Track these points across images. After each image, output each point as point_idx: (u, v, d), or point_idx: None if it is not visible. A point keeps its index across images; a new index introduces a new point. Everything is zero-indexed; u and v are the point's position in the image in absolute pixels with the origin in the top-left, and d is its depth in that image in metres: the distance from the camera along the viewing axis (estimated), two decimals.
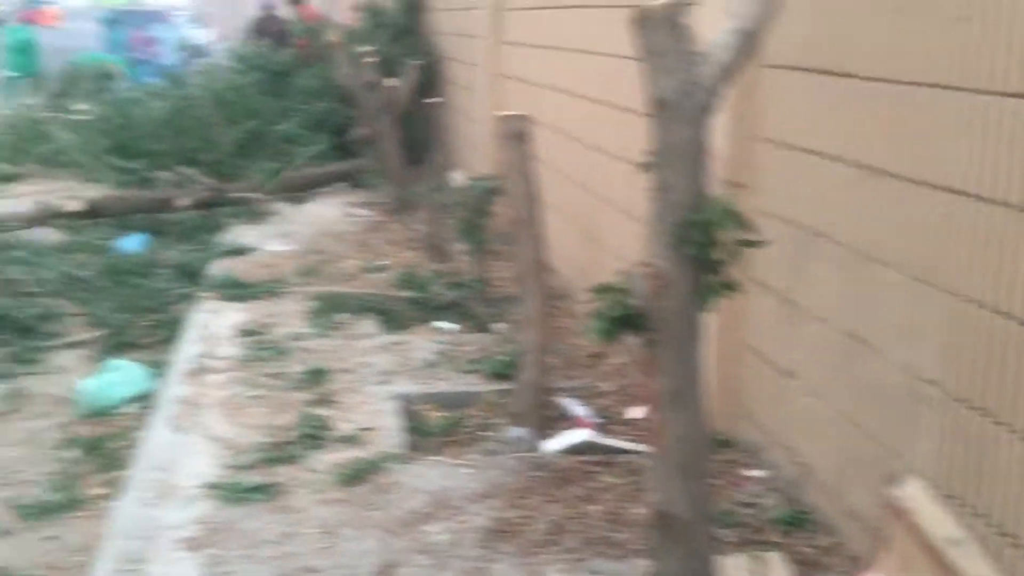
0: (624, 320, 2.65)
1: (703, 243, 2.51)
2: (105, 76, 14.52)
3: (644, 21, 2.44)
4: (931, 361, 2.82)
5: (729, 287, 2.59)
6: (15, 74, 16.22)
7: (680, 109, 2.47)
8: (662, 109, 2.48)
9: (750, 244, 2.60)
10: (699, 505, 2.71)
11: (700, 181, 2.53)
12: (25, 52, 16.46)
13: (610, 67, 5.28)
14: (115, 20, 24.44)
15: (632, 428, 4.27)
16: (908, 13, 2.92)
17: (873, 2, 3.11)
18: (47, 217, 7.80)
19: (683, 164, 2.51)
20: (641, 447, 4.01)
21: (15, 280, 6.40)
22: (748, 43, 2.52)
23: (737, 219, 2.55)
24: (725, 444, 3.98)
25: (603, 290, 2.66)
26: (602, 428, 4.28)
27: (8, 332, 5.82)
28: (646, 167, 2.57)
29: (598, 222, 5.59)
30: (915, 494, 2.01)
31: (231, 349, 5.27)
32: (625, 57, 4.97)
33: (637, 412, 4.37)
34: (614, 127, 5.26)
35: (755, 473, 3.85)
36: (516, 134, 4.17)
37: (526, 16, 7.24)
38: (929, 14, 2.81)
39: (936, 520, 1.94)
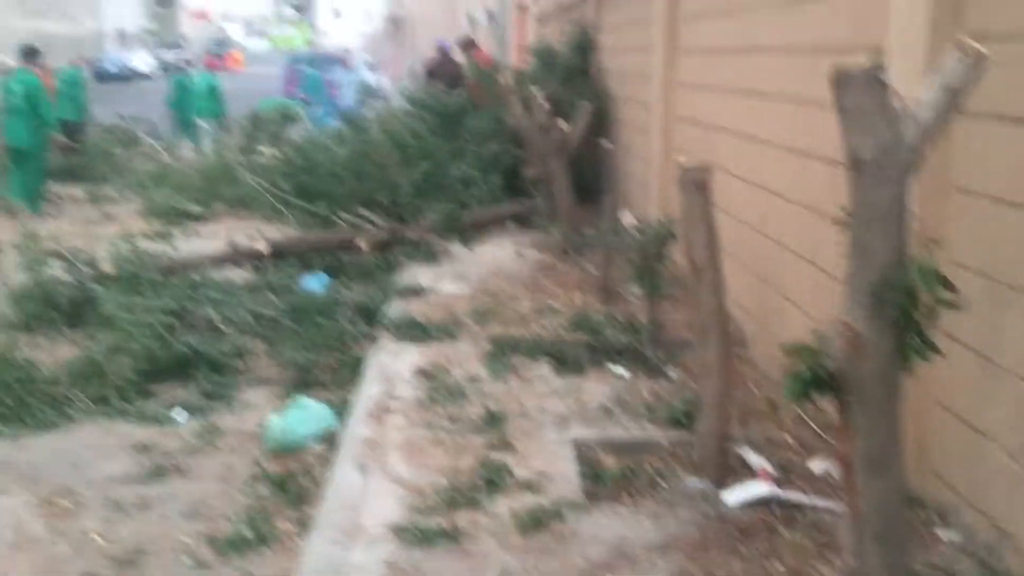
0: (819, 381, 2.60)
1: (903, 305, 2.44)
2: (287, 119, 15.21)
3: (843, 80, 2.41)
4: None
5: (931, 350, 2.51)
6: (201, 119, 17.17)
7: (880, 169, 2.42)
8: (861, 168, 2.44)
9: (950, 305, 2.52)
10: (895, 570, 2.62)
11: (900, 241, 2.47)
12: (210, 97, 17.43)
13: (790, 112, 5.21)
14: (296, 64, 25.67)
15: (815, 482, 4.16)
16: None
17: None
18: (235, 257, 8.21)
19: (882, 224, 2.45)
20: (826, 503, 3.91)
21: (207, 318, 6.72)
22: (952, 101, 2.45)
23: (938, 279, 2.48)
24: (914, 503, 3.83)
25: (797, 349, 2.61)
26: (783, 481, 4.18)
27: (201, 368, 6.13)
28: (843, 225, 2.53)
29: (775, 267, 5.50)
30: None
31: (410, 390, 5.40)
32: (806, 102, 4.93)
33: (821, 465, 4.25)
34: (793, 172, 5.18)
35: (947, 535, 3.69)
36: (696, 183, 4.16)
37: (700, 58, 7.22)
38: None
39: None
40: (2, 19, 45.94)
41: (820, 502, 3.91)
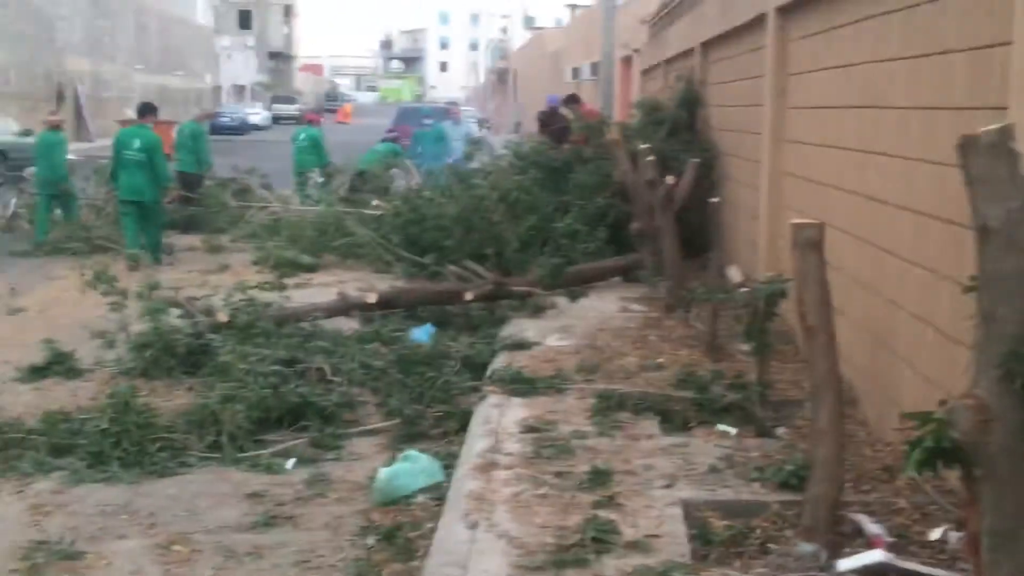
0: (943, 452, 2.53)
1: None
2: (396, 170, 15.58)
3: (970, 146, 2.37)
4: None
5: None
6: (304, 170, 17.61)
7: (1008, 237, 2.37)
8: (989, 237, 2.39)
9: None
10: None
11: None
12: (312, 150, 17.90)
13: (906, 170, 5.13)
14: (404, 116, 26.29)
15: (933, 551, 4.03)
16: None
17: None
18: (345, 308, 8.39)
19: (1011, 294, 2.39)
20: (944, 574, 3.79)
21: (317, 368, 6.86)
22: None
23: None
24: None
25: (922, 419, 2.55)
26: (899, 549, 4.06)
27: (311, 418, 6.25)
28: (970, 292, 2.47)
29: (888, 327, 5.38)
30: None
31: (516, 445, 5.41)
32: (923, 161, 4.85)
33: (938, 533, 4.12)
34: (908, 231, 5.08)
35: None
36: (810, 242, 4.11)
37: (811, 114, 7.16)
38: None
39: None
40: (127, 75, 48.24)
41: (938, 572, 3.79)
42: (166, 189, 13.12)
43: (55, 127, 15.58)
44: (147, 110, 13.32)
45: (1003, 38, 4.02)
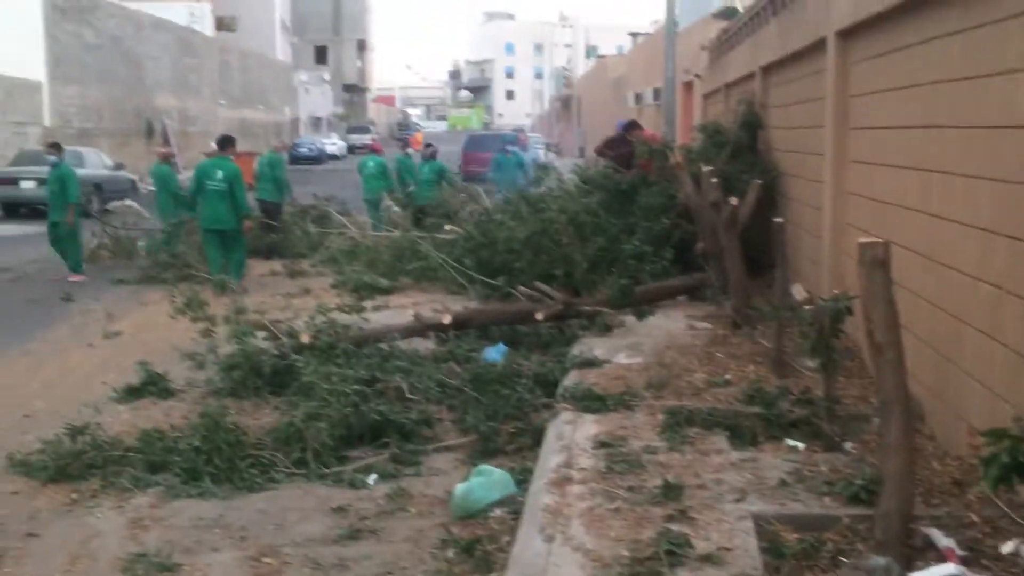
0: (1020, 468, 2.61)
1: None
2: (469, 197, 15.90)
3: None
4: None
5: None
6: (374, 196, 17.95)
7: None
8: None
9: None
10: None
11: None
12: (380, 176, 18.25)
13: (970, 188, 5.20)
14: (473, 143, 26.58)
15: (1006, 565, 4.08)
16: None
17: None
18: (420, 329, 8.63)
19: None
20: None
21: (396, 387, 7.09)
22: None
23: None
24: None
25: (996, 436, 2.65)
26: (970, 562, 4.11)
27: (391, 435, 6.47)
28: None
29: (955, 343, 5.44)
30: None
31: (589, 460, 5.55)
32: (989, 178, 4.92)
33: (1011, 547, 4.17)
34: (974, 248, 5.15)
35: None
36: (877, 261, 4.21)
37: (873, 135, 7.24)
38: None
39: None
40: (211, 110, 49.75)
41: None
42: (247, 218, 13.48)
43: (165, 159, 16.63)
44: (227, 143, 13.74)
45: None
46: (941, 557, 4.12)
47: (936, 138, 5.78)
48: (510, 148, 20.18)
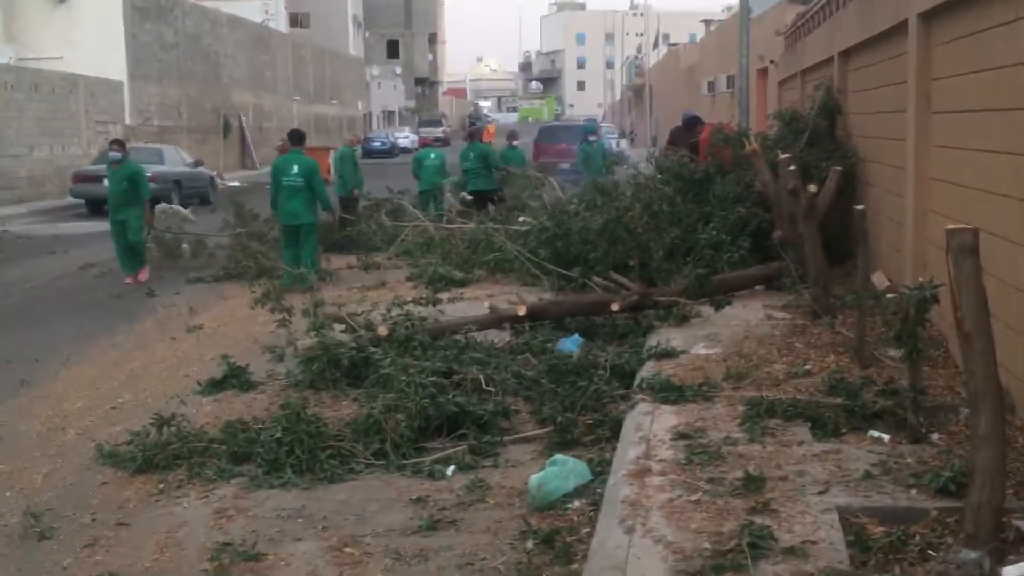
0: None
1: None
2: (538, 186, 15.88)
3: None
4: None
5: None
6: (428, 190, 17.92)
7: None
8: None
9: None
10: None
11: None
12: (440, 171, 18.22)
13: None
14: (545, 134, 26.51)
15: None
16: None
17: None
18: (496, 321, 8.65)
19: None
20: None
21: (473, 378, 7.12)
22: None
23: None
24: None
25: None
26: None
27: (468, 426, 6.50)
28: None
29: None
30: None
31: (668, 451, 5.52)
32: None
33: None
34: None
35: None
36: (966, 247, 4.11)
37: (955, 119, 7.06)
38: None
39: None
40: (286, 106, 50.64)
41: None
42: (325, 211, 13.51)
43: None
44: (298, 137, 13.68)
45: None
46: None
47: (1021, 120, 5.61)
48: (593, 138, 19.94)
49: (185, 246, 15.30)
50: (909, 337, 5.82)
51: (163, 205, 16.44)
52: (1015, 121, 5.80)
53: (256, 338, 8.52)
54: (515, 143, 20.14)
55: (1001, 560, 3.97)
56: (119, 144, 14.47)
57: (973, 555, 4.01)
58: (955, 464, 4.80)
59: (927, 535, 4.30)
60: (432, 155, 18.65)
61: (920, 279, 6.13)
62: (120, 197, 13.89)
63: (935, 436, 5.55)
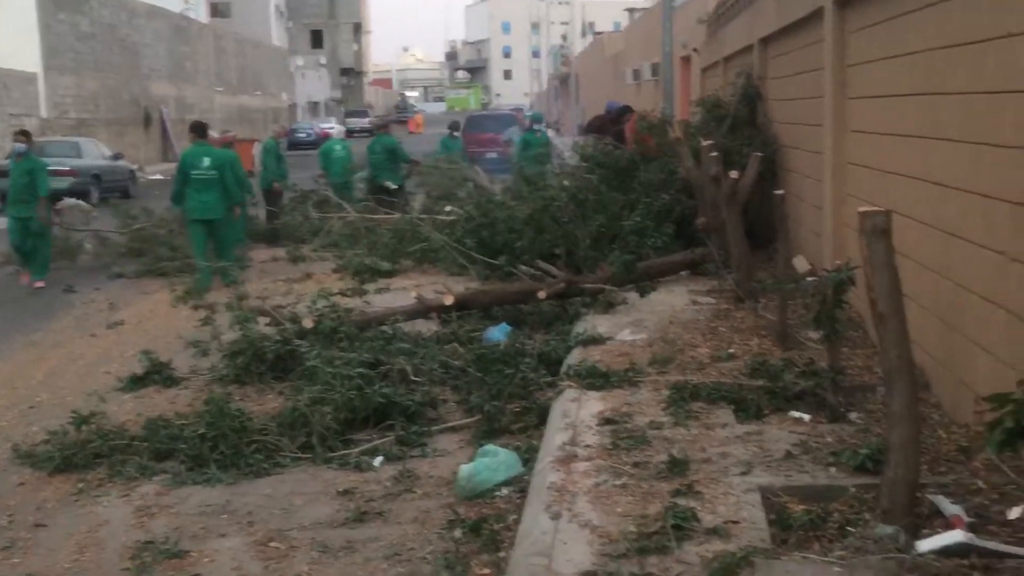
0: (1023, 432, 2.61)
1: None
2: (464, 179, 15.85)
3: None
4: None
5: None
6: (340, 180, 17.63)
7: None
8: None
9: None
10: None
11: None
12: (348, 163, 17.94)
13: (971, 154, 5.17)
14: (472, 124, 26.42)
15: (1013, 530, 4.08)
16: None
17: None
18: (423, 311, 8.62)
19: None
20: None
21: (400, 369, 7.09)
22: None
23: None
24: None
25: (1000, 401, 2.64)
26: (978, 528, 4.11)
27: (396, 417, 6.46)
28: None
29: (959, 310, 5.42)
30: None
31: (594, 437, 5.55)
32: (989, 144, 4.89)
33: (1019, 513, 4.17)
34: (976, 215, 5.13)
35: None
36: (878, 230, 4.19)
37: (870, 104, 7.20)
38: None
39: None
40: (208, 97, 49.78)
41: (1018, 551, 3.84)
42: (236, 205, 12.99)
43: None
44: (201, 129, 12.96)
45: None
46: (948, 524, 4.12)
47: (936, 105, 5.74)
48: (537, 127, 19.74)
49: (87, 245, 14.65)
50: (827, 319, 5.94)
51: (66, 200, 15.83)
52: (927, 105, 5.93)
53: (179, 333, 8.38)
54: (456, 133, 20.04)
55: (916, 534, 4.06)
56: (24, 135, 13.54)
57: (889, 530, 4.11)
58: (872, 442, 4.91)
59: (846, 512, 4.38)
60: (338, 147, 18.50)
61: (838, 262, 6.25)
62: (22, 192, 12.95)
63: (854, 415, 5.66)
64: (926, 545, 3.98)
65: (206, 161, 12.34)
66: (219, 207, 12.34)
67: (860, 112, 7.58)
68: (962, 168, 5.34)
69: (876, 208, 4.33)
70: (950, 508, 4.25)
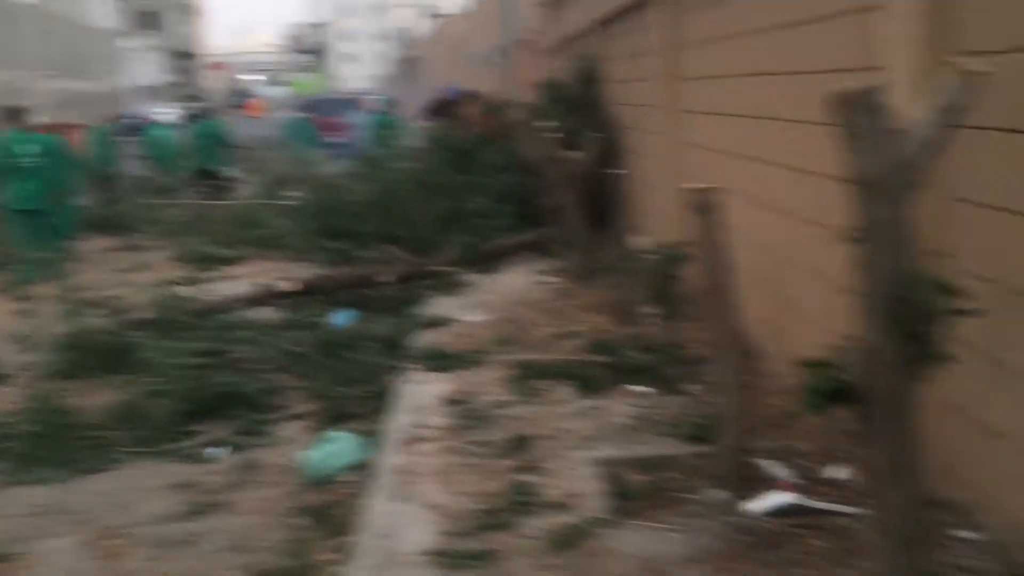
0: (836, 394, 2.72)
1: (913, 318, 2.55)
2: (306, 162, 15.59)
3: (842, 104, 2.55)
4: None
5: (942, 359, 2.62)
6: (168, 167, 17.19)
7: (883, 187, 2.53)
8: (864, 188, 2.56)
9: (962, 313, 2.63)
10: (920, 574, 2.73)
11: (906, 256, 2.57)
12: (172, 148, 17.51)
13: (792, 132, 5.39)
14: (312, 108, 25.92)
15: (837, 489, 4.29)
16: None
17: None
18: (265, 297, 8.44)
19: (888, 241, 2.55)
20: (849, 509, 4.04)
21: (241, 357, 6.93)
22: (950, 118, 2.57)
23: (947, 290, 2.59)
24: (938, 506, 3.95)
25: (813, 364, 2.75)
26: (804, 489, 4.30)
27: (237, 406, 6.33)
28: (851, 242, 2.65)
29: (786, 283, 5.66)
30: None
31: (439, 418, 5.57)
32: (808, 122, 5.11)
33: (841, 472, 4.39)
34: (798, 190, 5.35)
35: (967, 535, 3.81)
36: (705, 205, 4.33)
37: (704, 84, 7.41)
38: None
39: None
40: (31, 81, 47.21)
41: (843, 508, 4.04)
42: (62, 194, 11.99)
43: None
44: (15, 115, 12.02)
45: (874, 3, 4.29)
46: (777, 487, 4.29)
47: (761, 85, 5.96)
48: (387, 110, 19.42)
49: None
50: (664, 295, 6.13)
51: None
52: (752, 86, 6.14)
53: (5, 328, 7.95)
54: (305, 116, 19.51)
55: (747, 497, 4.24)
56: None
57: (722, 495, 4.27)
58: (707, 412, 5.07)
59: (681, 480, 4.52)
60: (165, 132, 18.02)
61: (674, 239, 6.43)
62: None
63: (691, 387, 5.84)
64: (756, 507, 4.16)
65: (28, 148, 11.40)
66: (41, 197, 11.39)
67: (692, 92, 7.79)
68: (784, 146, 5.56)
69: (704, 185, 4.47)
70: (778, 471, 4.44)
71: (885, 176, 2.53)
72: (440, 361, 6.55)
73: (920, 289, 2.56)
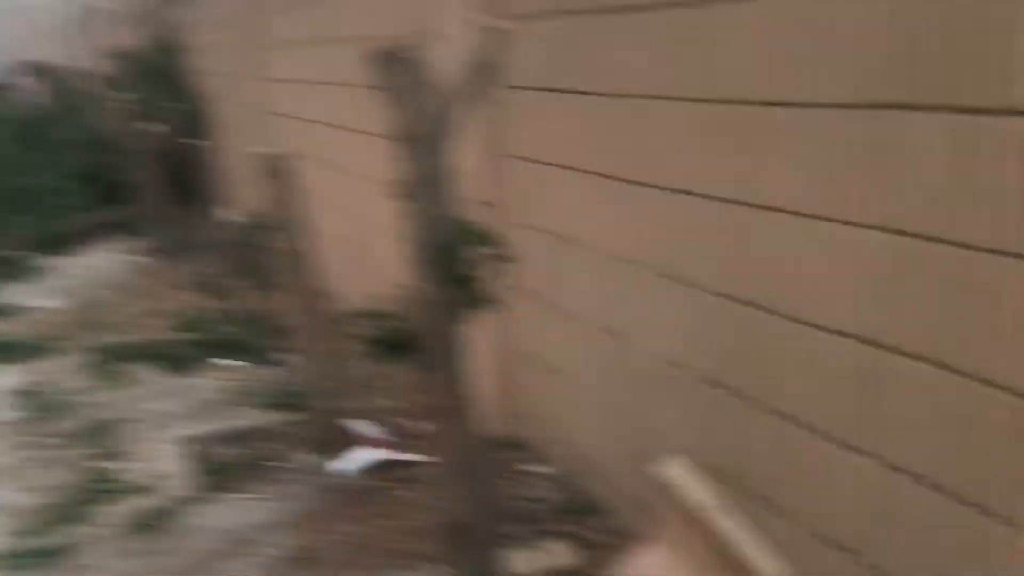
0: (392, 342, 2.79)
1: (451, 263, 2.68)
2: None
3: (378, 60, 2.60)
4: (677, 347, 3.10)
5: (480, 302, 2.76)
6: None
7: (421, 140, 2.63)
8: (404, 140, 2.64)
9: (502, 259, 2.79)
10: (483, 506, 2.88)
11: (446, 205, 2.69)
12: None
13: (354, 96, 5.45)
14: None
15: (423, 440, 4.44)
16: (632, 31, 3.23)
17: (602, 32, 3.39)
18: None
19: (429, 190, 2.66)
20: (428, 457, 4.20)
21: None
22: (483, 73, 2.70)
23: (482, 238, 2.74)
24: (508, 445, 4.21)
25: (366, 315, 2.80)
26: (394, 445, 4.42)
27: None
28: (397, 194, 2.72)
29: (368, 245, 5.74)
30: (678, 470, 2.24)
31: (8, 413, 5.13)
32: (364, 86, 5.19)
33: (426, 425, 4.55)
34: (361, 151, 5.43)
35: (538, 469, 4.09)
36: (273, 170, 4.29)
37: (285, 53, 7.33)
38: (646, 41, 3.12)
39: (696, 490, 2.16)
40: None
41: (422, 457, 4.19)
42: None
43: None
44: None
45: None
46: (365, 445, 4.38)
47: (323, 53, 5.99)
48: None
49: None
50: (252, 266, 6.02)
51: None
52: (318, 54, 6.16)
53: None
54: None
55: (337, 459, 4.28)
56: None
57: (312, 459, 4.29)
58: (298, 380, 5.06)
59: (274, 449, 4.50)
60: None
61: (260, 210, 6.31)
62: None
63: (285, 357, 5.79)
64: (346, 467, 4.22)
65: None
66: None
67: (276, 61, 7.67)
68: (350, 110, 5.62)
69: (273, 150, 4.41)
70: (367, 430, 4.52)
71: (421, 129, 2.61)
72: (10, 352, 6.00)
73: (455, 237, 2.66)
